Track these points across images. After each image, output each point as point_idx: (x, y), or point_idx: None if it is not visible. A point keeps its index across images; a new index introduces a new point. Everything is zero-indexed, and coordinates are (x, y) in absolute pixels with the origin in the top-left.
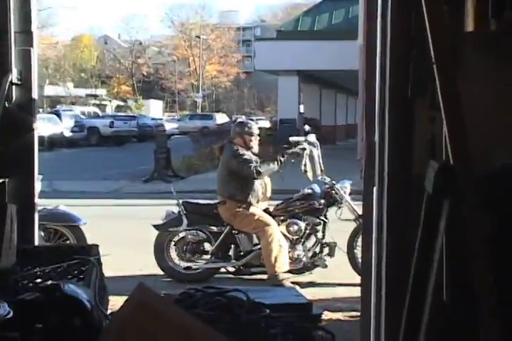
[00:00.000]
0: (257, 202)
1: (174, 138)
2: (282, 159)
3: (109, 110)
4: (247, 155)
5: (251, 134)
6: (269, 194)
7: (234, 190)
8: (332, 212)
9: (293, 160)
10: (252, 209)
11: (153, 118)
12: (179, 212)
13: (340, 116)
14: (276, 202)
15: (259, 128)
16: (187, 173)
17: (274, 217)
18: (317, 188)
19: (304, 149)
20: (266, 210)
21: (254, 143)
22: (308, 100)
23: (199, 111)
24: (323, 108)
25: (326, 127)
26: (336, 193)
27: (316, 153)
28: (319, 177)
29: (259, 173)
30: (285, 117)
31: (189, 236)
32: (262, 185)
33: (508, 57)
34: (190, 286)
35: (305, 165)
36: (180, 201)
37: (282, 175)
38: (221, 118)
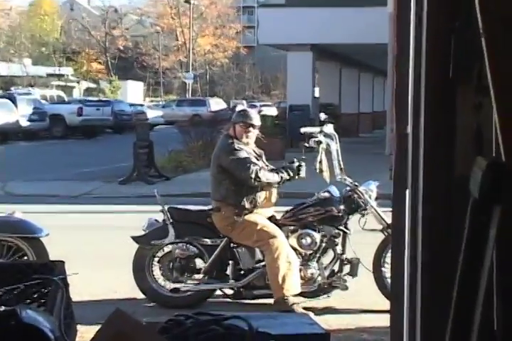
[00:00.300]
0: (254, 207)
1: (158, 128)
2: (287, 175)
3: (77, 94)
4: (245, 151)
5: (248, 125)
6: (274, 198)
7: (226, 192)
8: (354, 221)
9: (304, 156)
10: (253, 217)
11: (131, 104)
12: (164, 220)
13: (364, 102)
14: (284, 209)
15: (264, 117)
16: (174, 172)
17: (281, 226)
18: (335, 191)
19: (320, 143)
20: (271, 218)
21: (251, 137)
22: (325, 82)
23: (189, 95)
24: (344, 91)
25: (347, 115)
26: (359, 197)
27: (335, 147)
28: (338, 178)
29: (257, 179)
30: (296, 103)
31: (176, 251)
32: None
33: None
34: (179, 312)
35: (320, 162)
36: (166, 207)
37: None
38: (216, 104)
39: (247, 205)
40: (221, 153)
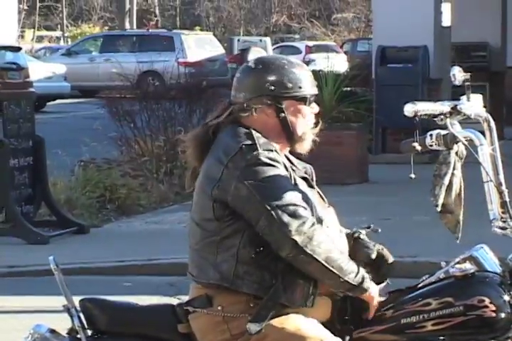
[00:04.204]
0: (306, 299)
1: (56, 107)
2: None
3: None
4: (283, 168)
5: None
6: None
7: (239, 265)
8: None
9: (413, 175)
10: (291, 323)
11: None
12: (71, 333)
13: None
14: None
15: (321, 77)
16: (95, 216)
17: None
18: (490, 260)
19: (453, 141)
20: (334, 323)
21: (309, 130)
22: None
23: (133, 24)
24: None
25: None
26: None
27: (487, 150)
28: (497, 225)
29: (305, 247)
30: (395, 42)
31: None
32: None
33: None
34: None
35: (449, 187)
36: (76, 301)
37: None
38: (199, 45)
39: (297, 299)
40: (227, 175)
